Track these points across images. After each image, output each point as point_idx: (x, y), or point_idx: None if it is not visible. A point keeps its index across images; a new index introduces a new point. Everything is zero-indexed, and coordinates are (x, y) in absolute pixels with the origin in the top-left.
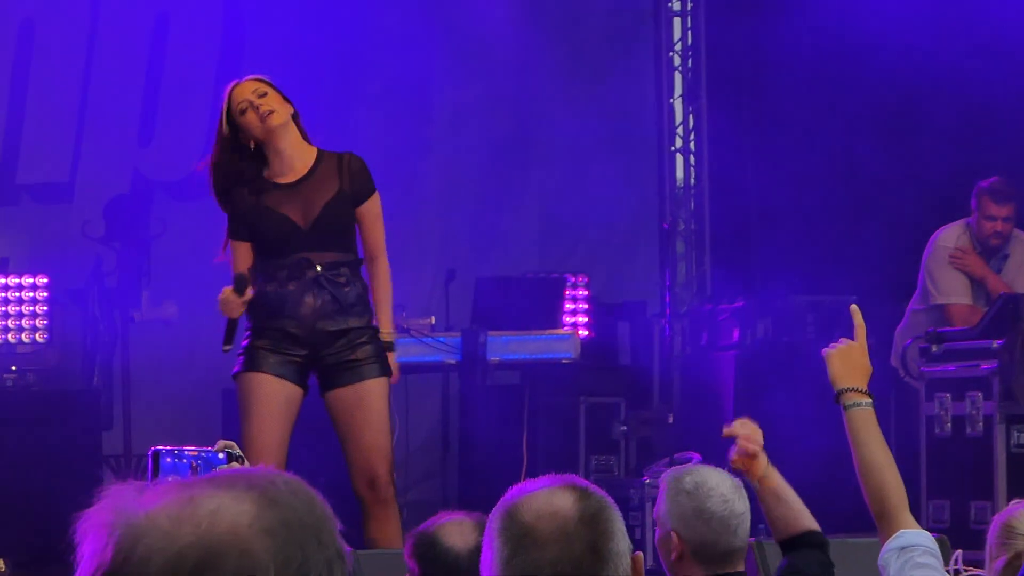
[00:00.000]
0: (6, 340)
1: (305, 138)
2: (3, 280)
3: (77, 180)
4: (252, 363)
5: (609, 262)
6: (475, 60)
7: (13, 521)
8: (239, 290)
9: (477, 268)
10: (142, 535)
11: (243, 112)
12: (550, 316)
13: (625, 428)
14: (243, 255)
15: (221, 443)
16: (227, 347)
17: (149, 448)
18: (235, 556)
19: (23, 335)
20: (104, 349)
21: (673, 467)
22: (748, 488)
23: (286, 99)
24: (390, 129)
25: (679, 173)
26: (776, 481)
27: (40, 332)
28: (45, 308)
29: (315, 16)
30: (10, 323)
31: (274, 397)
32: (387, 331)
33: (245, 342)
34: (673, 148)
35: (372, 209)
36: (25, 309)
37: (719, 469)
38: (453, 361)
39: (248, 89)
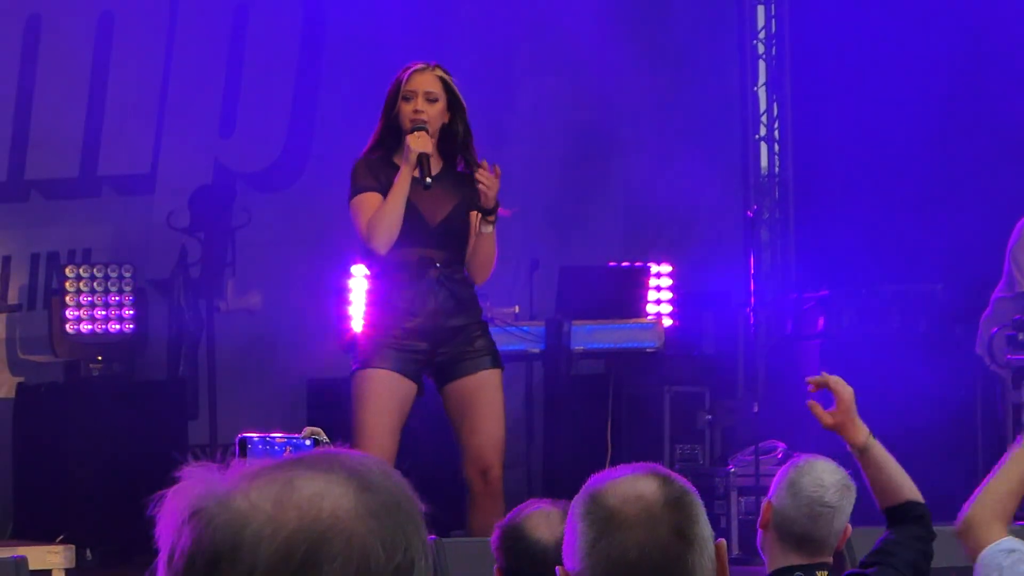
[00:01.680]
0: (93, 330)
1: (441, 147)
2: (89, 270)
3: (158, 171)
4: (372, 359)
5: (693, 250)
6: (558, 49)
7: (99, 511)
8: (424, 129)
9: (561, 257)
10: (246, 520)
11: (407, 99)
12: (634, 305)
13: (710, 417)
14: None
15: (308, 429)
16: (428, 182)
17: (235, 437)
18: (343, 541)
19: (109, 325)
20: (189, 339)
21: None
22: (863, 493)
23: (450, 108)
24: (473, 118)
25: (763, 161)
26: (878, 450)
27: (126, 322)
28: (131, 298)
29: (391, 5)
30: (96, 313)
31: (393, 393)
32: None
33: (363, 338)
34: (757, 136)
35: (495, 225)
36: (111, 299)
37: (838, 466)
38: (537, 350)
39: (426, 82)
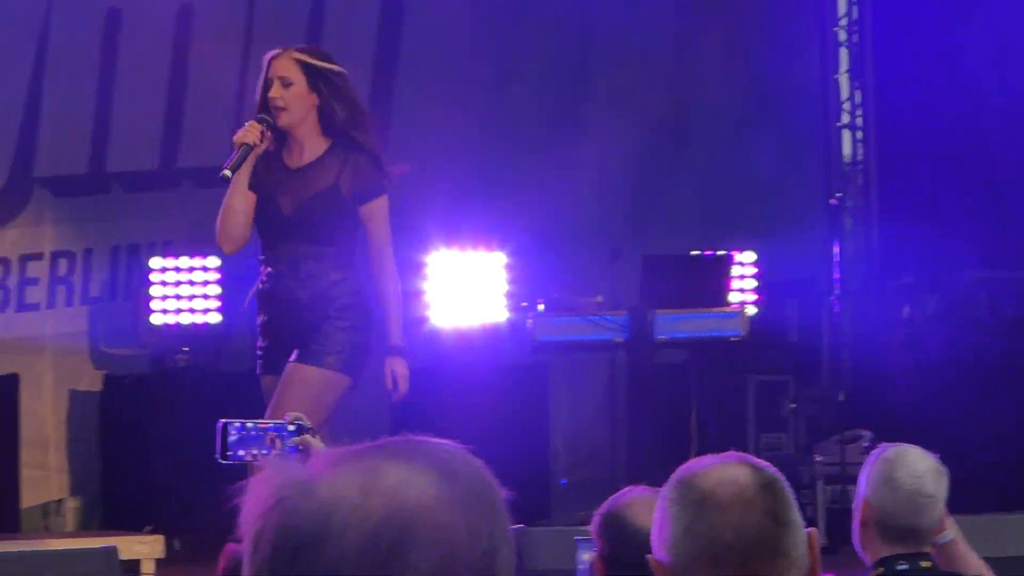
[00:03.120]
0: (178, 322)
1: (326, 128)
2: (174, 262)
3: None
4: (263, 365)
5: (776, 238)
6: (635, 37)
7: (186, 501)
8: (266, 123)
9: (643, 246)
10: (332, 508)
11: (269, 86)
12: (717, 293)
13: (794, 406)
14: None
15: (291, 415)
16: (225, 174)
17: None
18: (428, 529)
19: (195, 317)
20: None
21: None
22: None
23: (315, 88)
24: (551, 108)
25: (846, 149)
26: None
27: (212, 314)
28: (218, 290)
29: None
30: (182, 304)
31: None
32: (396, 333)
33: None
34: (839, 124)
35: (375, 211)
36: (197, 291)
37: (926, 452)
38: (620, 339)
39: (279, 67)
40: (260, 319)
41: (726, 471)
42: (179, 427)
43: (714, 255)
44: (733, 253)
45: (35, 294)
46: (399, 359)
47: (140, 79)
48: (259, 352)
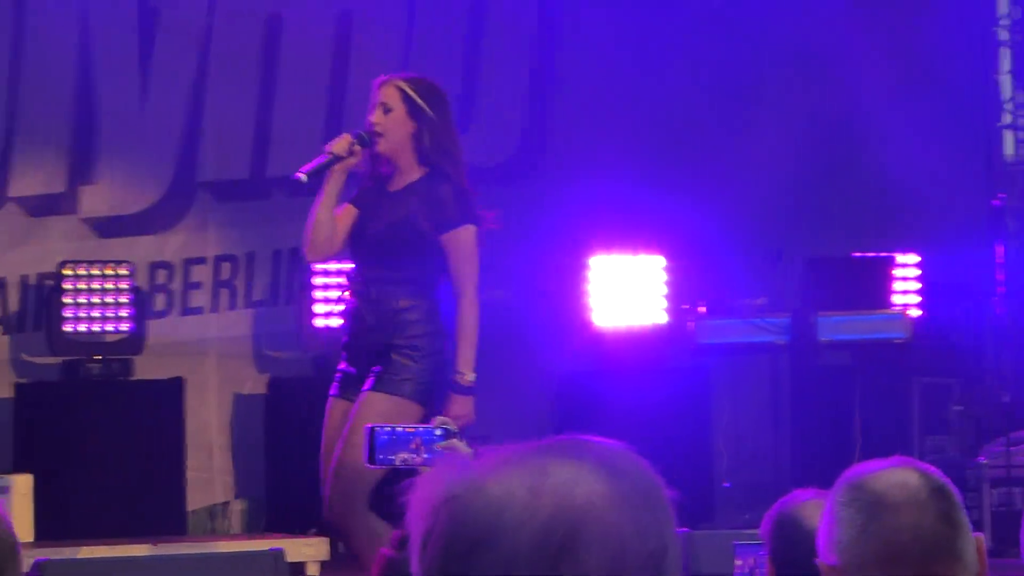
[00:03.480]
0: (340, 325)
1: (421, 157)
2: (336, 265)
3: None
4: (339, 387)
5: (938, 240)
6: (801, 40)
7: None
8: (362, 141)
9: (806, 248)
10: (503, 506)
11: (372, 111)
12: (880, 296)
13: (960, 408)
14: (345, 216)
15: (438, 419)
16: (302, 177)
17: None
18: (598, 528)
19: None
20: None
21: None
22: None
23: (414, 116)
24: (717, 111)
25: (1008, 149)
26: None
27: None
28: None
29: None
30: (317, 308)
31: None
32: (463, 370)
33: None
34: (1001, 124)
35: (455, 241)
36: (332, 294)
37: None
38: (783, 342)
39: (382, 95)
40: (344, 340)
41: (895, 474)
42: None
43: (877, 257)
44: (896, 255)
45: (199, 298)
46: (460, 397)
47: (300, 85)
48: (337, 374)
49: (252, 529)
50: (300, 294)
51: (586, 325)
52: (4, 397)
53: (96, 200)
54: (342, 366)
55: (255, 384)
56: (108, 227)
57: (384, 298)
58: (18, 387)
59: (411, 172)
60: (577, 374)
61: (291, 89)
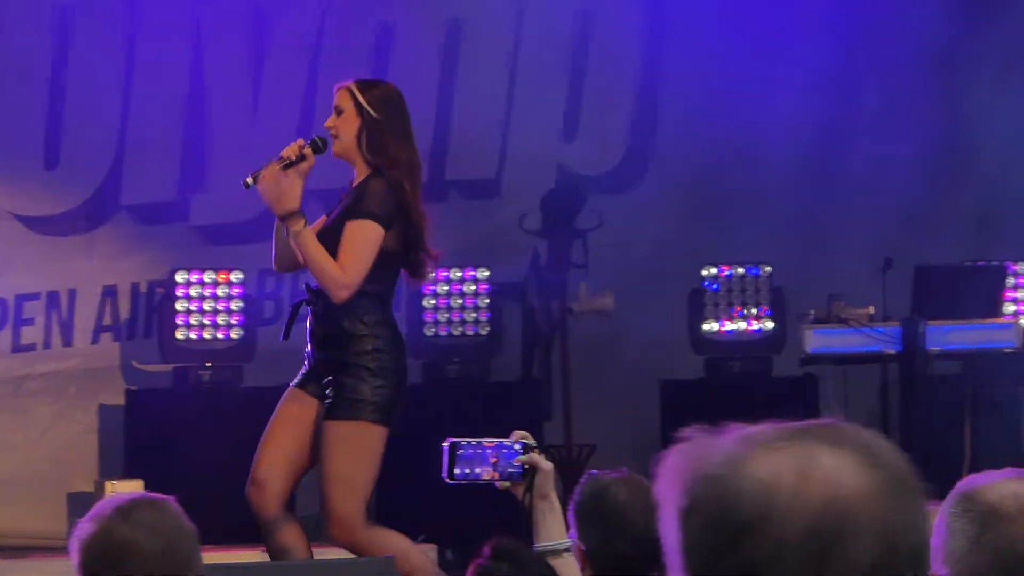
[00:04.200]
0: (449, 332)
1: (369, 155)
2: (444, 273)
3: (504, 176)
4: (299, 379)
5: None
6: (908, 42)
7: (458, 511)
8: (315, 147)
9: (916, 256)
10: (773, 490)
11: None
12: (991, 305)
13: None
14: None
15: (517, 434)
16: (248, 180)
17: (445, 439)
18: (866, 518)
19: (465, 328)
20: (542, 340)
21: None
22: None
23: (359, 114)
24: (816, 119)
25: None
26: None
27: (482, 324)
28: (488, 301)
29: (732, 5)
30: (453, 316)
31: (283, 408)
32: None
33: None
34: None
35: (351, 230)
36: (467, 302)
37: None
38: (892, 352)
39: (338, 97)
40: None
41: (1009, 485)
42: (449, 435)
43: (988, 265)
44: (1008, 264)
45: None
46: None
47: (408, 93)
48: (304, 365)
49: None
50: (410, 302)
51: (693, 332)
52: (115, 404)
53: (206, 208)
54: (306, 364)
55: None
56: (218, 234)
57: (329, 311)
58: (129, 394)
59: (360, 175)
60: (683, 383)
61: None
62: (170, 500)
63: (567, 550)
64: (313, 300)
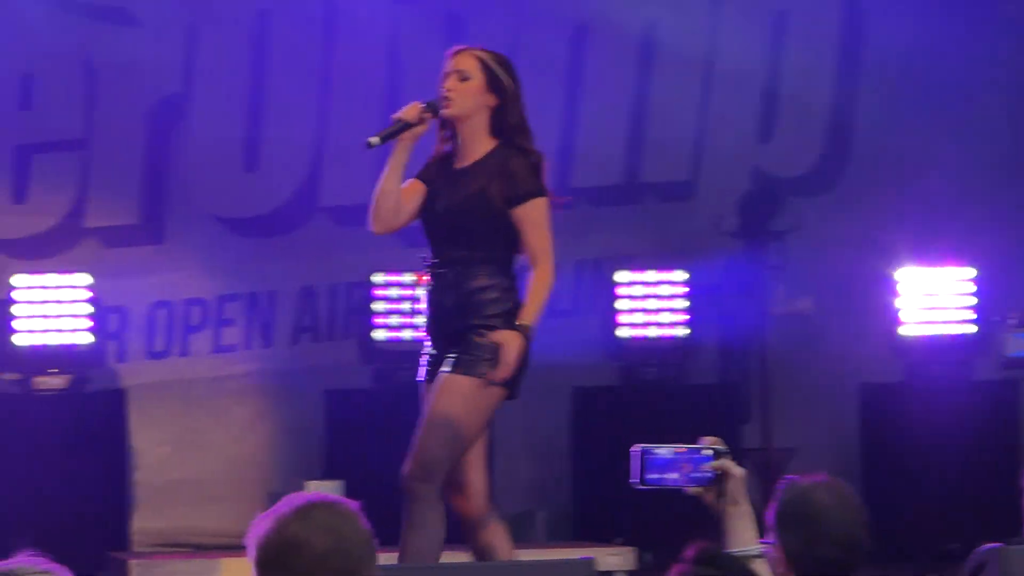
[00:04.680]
0: (646, 335)
1: (494, 131)
2: (640, 275)
3: (700, 178)
4: (427, 372)
5: None
6: None
7: (656, 514)
8: (432, 108)
9: None
10: None
11: (442, 80)
12: None
13: None
14: (410, 189)
15: (708, 439)
16: (374, 140)
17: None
18: None
19: (661, 330)
20: (740, 343)
21: None
22: None
23: (498, 89)
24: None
25: None
26: None
27: (680, 327)
28: (685, 304)
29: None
30: (649, 318)
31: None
32: (523, 319)
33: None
34: None
35: (529, 214)
36: (663, 304)
37: None
38: None
39: (459, 63)
40: (424, 323)
41: None
42: (648, 439)
43: None
44: None
45: None
46: (517, 335)
47: (602, 95)
48: (422, 359)
49: (557, 538)
50: (603, 305)
51: (892, 335)
52: (314, 404)
53: None
54: (425, 351)
55: (560, 393)
56: (415, 236)
57: (461, 279)
58: (328, 394)
59: (479, 145)
60: (884, 386)
61: (596, 98)
62: (348, 503)
63: (759, 556)
64: (443, 273)
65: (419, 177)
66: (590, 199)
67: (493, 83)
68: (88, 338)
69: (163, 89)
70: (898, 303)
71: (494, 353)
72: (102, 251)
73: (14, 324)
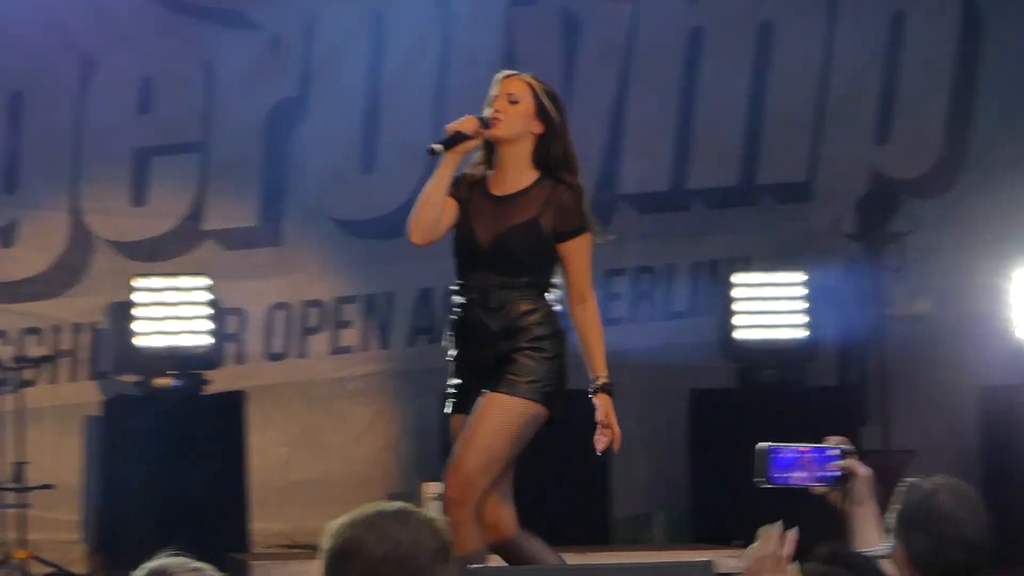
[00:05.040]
0: (766, 336)
1: (537, 161)
2: (758, 277)
3: (818, 179)
4: (455, 404)
5: None
6: None
7: (772, 517)
8: (485, 123)
9: None
10: None
11: (489, 103)
12: None
13: None
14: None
15: (834, 439)
16: (437, 147)
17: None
18: None
19: (782, 332)
20: (859, 345)
21: None
22: None
23: (545, 118)
24: None
25: None
26: None
27: (798, 329)
28: (804, 305)
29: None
30: (767, 320)
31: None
32: (601, 373)
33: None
34: None
35: (578, 249)
36: (781, 306)
37: None
38: None
39: (510, 87)
40: (453, 353)
41: None
42: (763, 440)
43: None
44: None
45: (618, 308)
46: (604, 396)
47: (719, 97)
48: (450, 389)
49: (674, 540)
50: (720, 307)
51: (1010, 338)
52: (430, 406)
53: None
54: (455, 380)
55: (676, 394)
56: None
57: (507, 304)
58: (445, 395)
59: (521, 174)
60: (1003, 388)
61: (711, 100)
62: (425, 513)
63: (886, 556)
64: (486, 298)
65: (451, 196)
66: (707, 201)
67: (541, 111)
68: (207, 340)
69: (281, 92)
70: (1014, 305)
71: (537, 375)
72: (221, 253)
73: (134, 326)
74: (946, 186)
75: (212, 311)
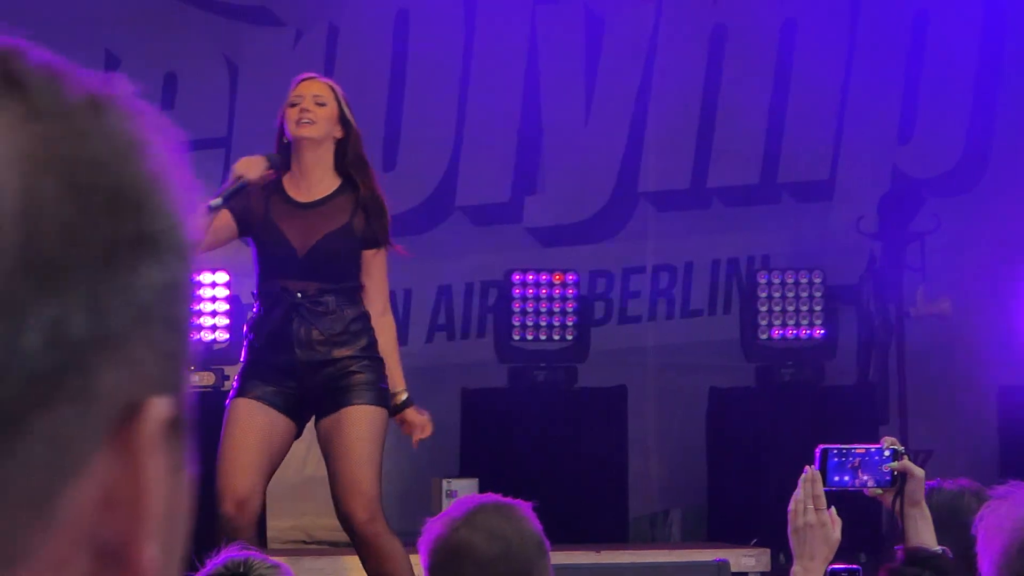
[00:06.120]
0: (784, 335)
1: (342, 167)
2: (779, 275)
3: (837, 178)
4: (241, 389)
5: None
6: None
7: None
8: (273, 164)
9: None
10: None
11: (292, 105)
12: None
13: None
14: (218, 223)
15: (887, 440)
16: (215, 202)
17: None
18: None
19: (800, 331)
20: (879, 345)
21: None
22: None
23: (345, 123)
24: None
25: None
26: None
27: (816, 328)
28: (823, 303)
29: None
30: (788, 319)
31: (250, 421)
32: (402, 387)
33: (242, 369)
34: None
35: (381, 259)
36: (801, 305)
37: None
38: None
39: (314, 88)
40: (271, 359)
41: None
42: (784, 440)
43: None
44: None
45: (637, 307)
46: (416, 410)
47: (741, 95)
48: (250, 381)
49: (691, 538)
50: (740, 305)
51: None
52: (450, 402)
53: (539, 209)
54: (259, 381)
55: (694, 393)
56: (550, 236)
57: (333, 310)
58: (465, 393)
59: (326, 181)
60: (1020, 387)
61: (734, 100)
62: (519, 505)
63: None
64: (312, 303)
65: (231, 210)
66: (727, 199)
67: (342, 116)
68: (225, 336)
69: None
70: None
71: (378, 382)
72: (242, 249)
73: None
74: (968, 185)
75: (229, 307)
